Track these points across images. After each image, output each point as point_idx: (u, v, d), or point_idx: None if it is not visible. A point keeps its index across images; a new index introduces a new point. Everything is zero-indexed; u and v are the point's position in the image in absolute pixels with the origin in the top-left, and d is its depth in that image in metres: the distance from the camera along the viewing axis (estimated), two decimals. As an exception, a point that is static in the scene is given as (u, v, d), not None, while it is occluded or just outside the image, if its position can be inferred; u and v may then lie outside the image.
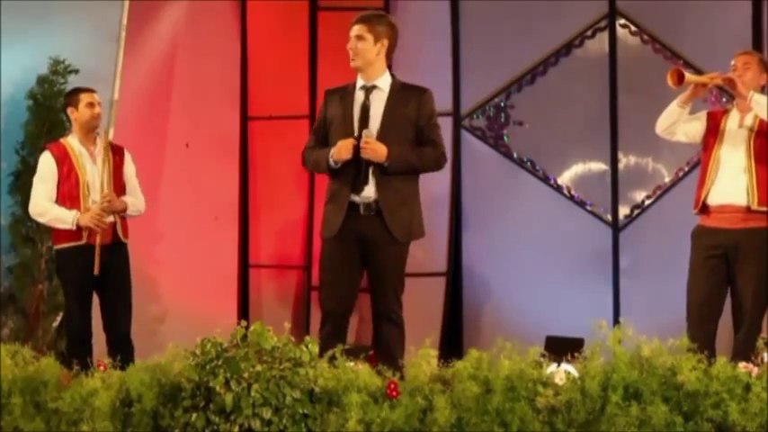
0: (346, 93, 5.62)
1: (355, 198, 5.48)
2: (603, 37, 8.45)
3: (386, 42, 5.58)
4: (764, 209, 5.82)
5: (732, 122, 5.94)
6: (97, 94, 6.58)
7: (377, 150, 5.43)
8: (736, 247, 5.82)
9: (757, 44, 8.05)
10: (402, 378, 4.60)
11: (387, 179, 5.47)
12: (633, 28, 8.41)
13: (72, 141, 6.51)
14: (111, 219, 6.42)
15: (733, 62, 6.00)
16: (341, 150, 5.45)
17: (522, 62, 8.53)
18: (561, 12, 8.42)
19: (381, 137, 5.48)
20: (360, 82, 5.60)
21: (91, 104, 6.49)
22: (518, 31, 8.50)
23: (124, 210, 6.47)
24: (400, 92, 5.58)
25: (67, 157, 6.43)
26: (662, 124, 6.04)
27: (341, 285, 5.52)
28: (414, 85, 5.69)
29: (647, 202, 8.29)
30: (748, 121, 5.89)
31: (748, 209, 5.82)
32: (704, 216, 5.96)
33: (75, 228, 6.33)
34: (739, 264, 5.83)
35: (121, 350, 5.98)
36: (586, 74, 8.40)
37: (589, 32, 8.47)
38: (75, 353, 5.97)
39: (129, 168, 6.62)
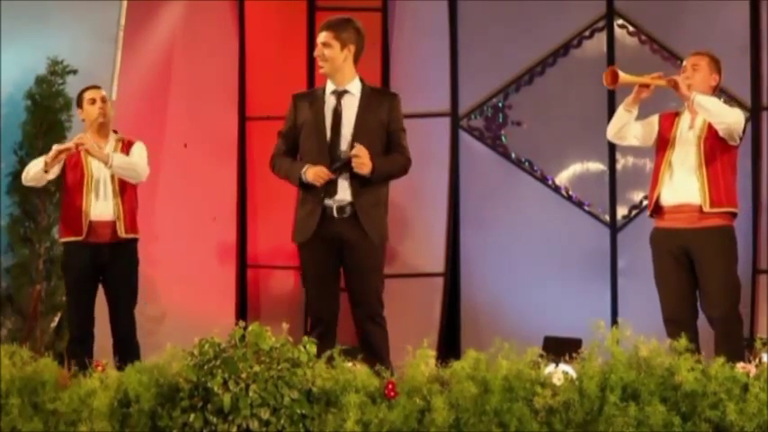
0: (316, 97, 5.64)
1: (328, 201, 5.51)
2: (601, 37, 8.46)
3: (352, 48, 5.63)
4: (717, 210, 5.76)
5: (683, 124, 5.86)
6: (100, 89, 6.54)
7: (365, 164, 5.45)
8: (696, 246, 5.72)
9: (755, 44, 8.07)
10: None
11: (362, 182, 5.51)
12: (631, 28, 8.42)
13: (85, 138, 6.50)
14: (110, 216, 6.38)
15: (683, 63, 5.94)
16: (315, 177, 5.48)
17: (520, 63, 8.54)
18: (559, 12, 8.43)
19: (354, 142, 5.51)
20: (330, 86, 5.63)
21: (92, 101, 6.46)
22: (516, 32, 8.51)
23: (105, 160, 6.32)
24: (371, 96, 5.62)
25: (78, 152, 6.41)
26: (611, 129, 5.93)
27: (326, 288, 5.56)
28: (384, 90, 5.76)
29: (645, 203, 8.29)
30: (698, 122, 5.81)
31: (701, 209, 5.76)
32: (659, 218, 5.89)
33: (47, 167, 6.27)
34: (703, 263, 5.73)
35: (123, 351, 5.97)
36: (584, 74, 8.40)
37: (587, 33, 8.49)
38: (74, 352, 5.96)
39: (135, 151, 6.48)
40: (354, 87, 5.61)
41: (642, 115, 5.91)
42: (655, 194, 5.84)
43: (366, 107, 5.57)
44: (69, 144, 6.31)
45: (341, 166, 5.48)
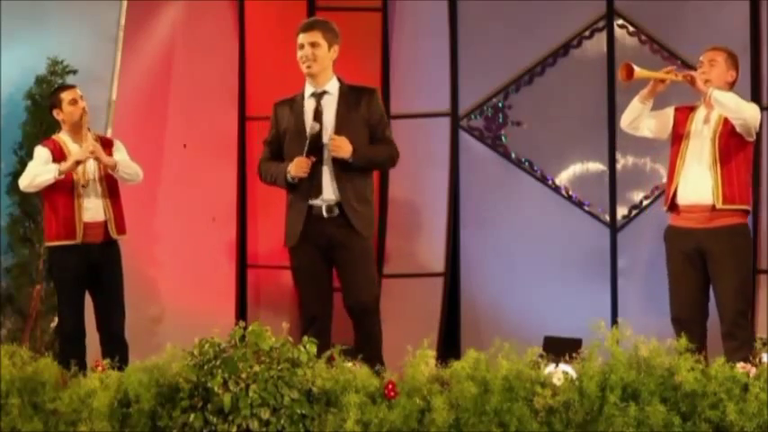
0: (295, 103, 5.70)
1: (315, 202, 5.55)
2: (601, 37, 8.45)
3: (336, 48, 5.68)
4: (730, 207, 5.76)
5: (698, 119, 5.86)
6: (77, 88, 6.56)
7: (343, 147, 5.49)
8: (709, 247, 5.73)
9: (755, 44, 8.06)
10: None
11: (346, 180, 5.54)
12: (631, 28, 8.41)
13: (64, 138, 6.50)
14: (102, 217, 6.39)
15: (701, 58, 5.94)
16: (297, 169, 5.51)
17: (520, 63, 8.53)
18: (559, 12, 8.41)
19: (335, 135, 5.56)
20: (308, 90, 5.69)
21: (74, 101, 6.48)
22: (516, 32, 8.50)
23: (114, 166, 6.38)
24: (349, 94, 5.69)
25: (62, 153, 6.42)
26: (625, 119, 6.02)
27: (320, 288, 5.60)
28: (361, 86, 5.81)
29: (645, 203, 8.28)
30: (714, 117, 5.82)
31: (714, 207, 5.76)
32: (674, 215, 5.89)
33: (59, 175, 6.28)
34: (715, 264, 5.75)
35: (114, 350, 5.98)
36: (584, 74, 8.40)
37: (587, 33, 8.47)
38: (69, 353, 5.97)
39: (118, 154, 6.54)
40: (332, 87, 5.68)
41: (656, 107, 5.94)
42: (671, 189, 5.84)
43: (344, 104, 5.64)
44: (87, 153, 6.31)
45: (311, 144, 5.52)
